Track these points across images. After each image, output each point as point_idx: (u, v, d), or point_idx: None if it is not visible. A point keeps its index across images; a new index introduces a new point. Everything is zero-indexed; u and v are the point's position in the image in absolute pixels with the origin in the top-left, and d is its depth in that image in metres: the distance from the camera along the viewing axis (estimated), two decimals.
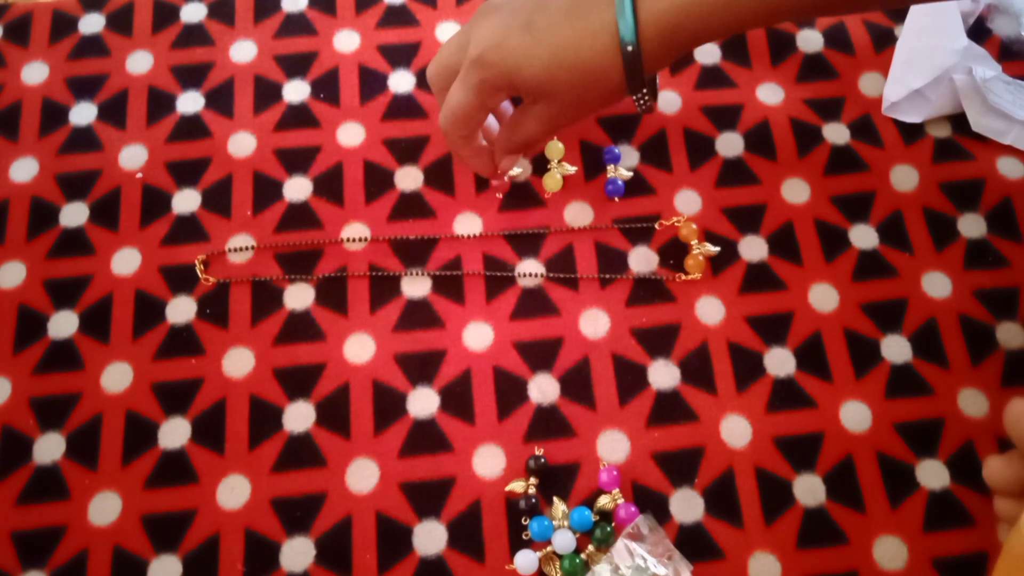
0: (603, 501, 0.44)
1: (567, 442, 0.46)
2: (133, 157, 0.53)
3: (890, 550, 0.44)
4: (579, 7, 0.42)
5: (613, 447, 0.46)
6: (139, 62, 0.56)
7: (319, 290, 0.50)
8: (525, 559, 0.43)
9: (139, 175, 0.53)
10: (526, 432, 0.46)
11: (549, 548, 0.43)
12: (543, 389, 0.47)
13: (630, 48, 0.41)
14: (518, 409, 0.47)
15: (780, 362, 0.48)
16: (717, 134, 0.54)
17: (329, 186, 0.52)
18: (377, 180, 0.53)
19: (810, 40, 0.57)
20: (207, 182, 0.52)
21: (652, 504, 0.45)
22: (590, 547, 0.44)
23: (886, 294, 0.50)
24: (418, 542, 0.44)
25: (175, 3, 0.58)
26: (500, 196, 0.52)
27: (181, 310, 0.49)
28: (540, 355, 0.48)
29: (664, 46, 0.42)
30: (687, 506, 0.45)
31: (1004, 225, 0.51)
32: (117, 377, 0.47)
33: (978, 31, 0.57)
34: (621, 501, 0.44)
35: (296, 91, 0.55)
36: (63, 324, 0.49)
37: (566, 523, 0.44)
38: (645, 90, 0.44)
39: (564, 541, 0.43)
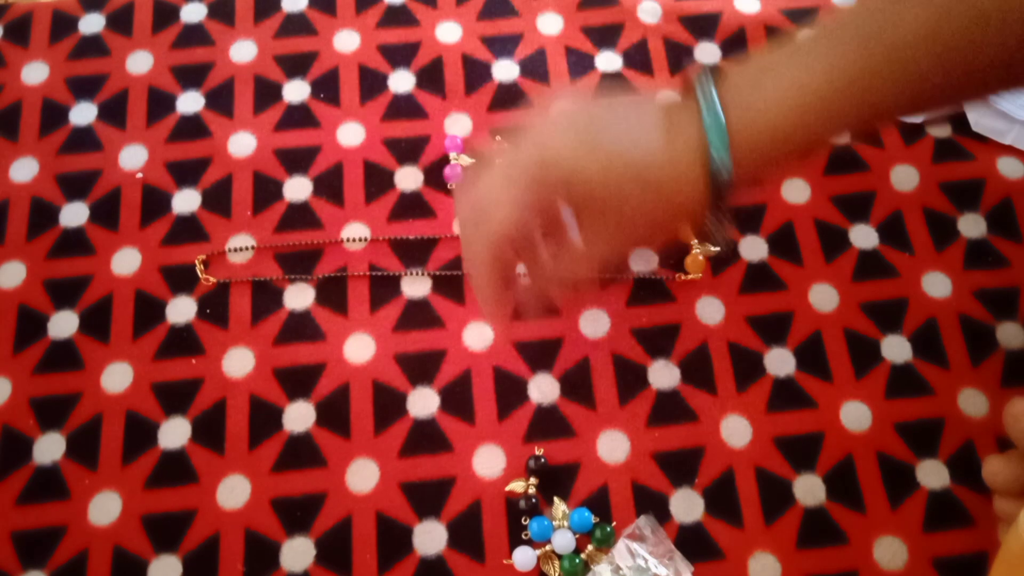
0: None
1: (567, 442, 0.46)
2: (133, 157, 0.53)
3: (890, 550, 0.44)
4: (651, 111, 0.36)
5: (613, 447, 0.46)
6: (139, 62, 0.56)
7: (319, 290, 0.50)
8: (523, 556, 0.43)
9: (139, 175, 0.53)
10: (526, 432, 0.46)
11: (548, 547, 0.43)
12: (543, 389, 0.47)
13: (718, 155, 0.34)
14: (518, 409, 0.47)
15: (780, 362, 0.48)
16: None
17: (329, 186, 0.52)
18: (377, 180, 0.53)
19: None
20: (207, 182, 0.52)
21: (652, 504, 0.45)
22: (590, 547, 0.44)
23: (886, 294, 0.50)
24: (418, 542, 0.44)
25: (175, 3, 0.58)
26: None
27: (181, 310, 0.49)
28: (540, 355, 0.48)
29: (754, 155, 0.35)
30: (687, 506, 0.45)
31: (1004, 225, 0.51)
32: (117, 377, 0.47)
33: None
34: None
35: (296, 91, 0.55)
36: (63, 324, 0.49)
37: (566, 523, 0.44)
38: (727, 207, 0.37)
39: (564, 541, 0.43)
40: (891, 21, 0.35)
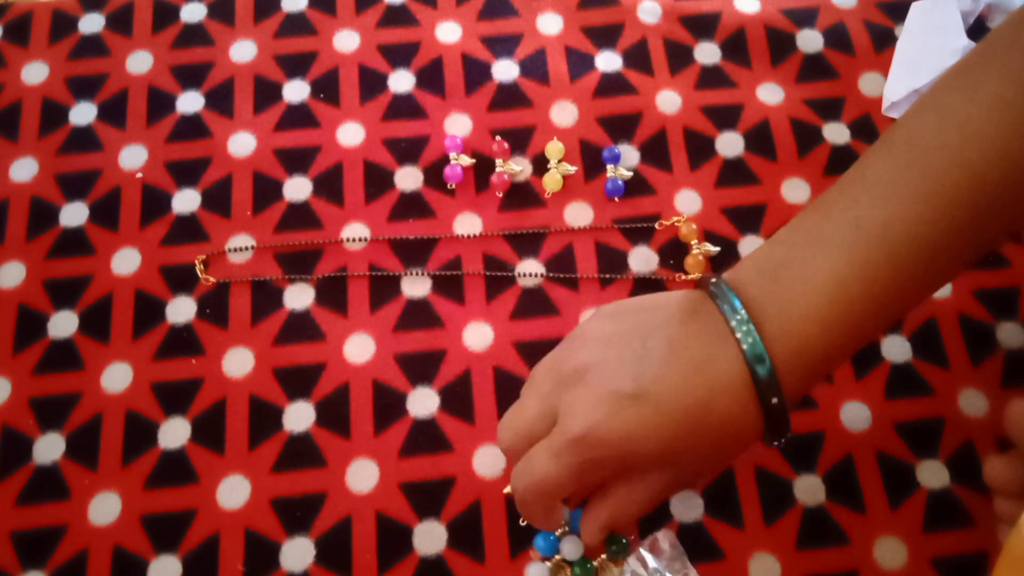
0: None
1: None
2: (133, 157, 0.53)
3: (890, 550, 0.44)
4: (692, 356, 0.35)
5: None
6: (139, 62, 0.56)
7: (319, 290, 0.50)
8: (536, 572, 0.43)
9: (139, 175, 0.53)
10: None
11: (558, 557, 0.43)
12: None
13: (774, 400, 0.34)
14: None
15: None
16: (717, 134, 0.54)
17: (329, 186, 0.52)
18: (377, 180, 0.53)
19: (810, 40, 0.57)
20: (207, 182, 0.52)
21: None
22: (603, 556, 0.43)
23: None
24: (418, 542, 0.44)
25: (175, 3, 0.58)
26: (500, 196, 0.52)
27: (181, 310, 0.49)
28: (540, 355, 0.47)
29: (802, 379, 0.35)
30: (687, 506, 0.45)
31: None
32: (117, 377, 0.47)
33: (978, 31, 0.57)
34: None
35: (296, 91, 0.55)
36: (63, 324, 0.49)
37: (567, 527, 0.43)
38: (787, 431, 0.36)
39: (572, 547, 0.43)
40: (910, 220, 0.34)
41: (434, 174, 0.53)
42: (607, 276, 0.50)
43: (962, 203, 0.34)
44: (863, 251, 0.34)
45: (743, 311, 0.34)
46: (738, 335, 0.34)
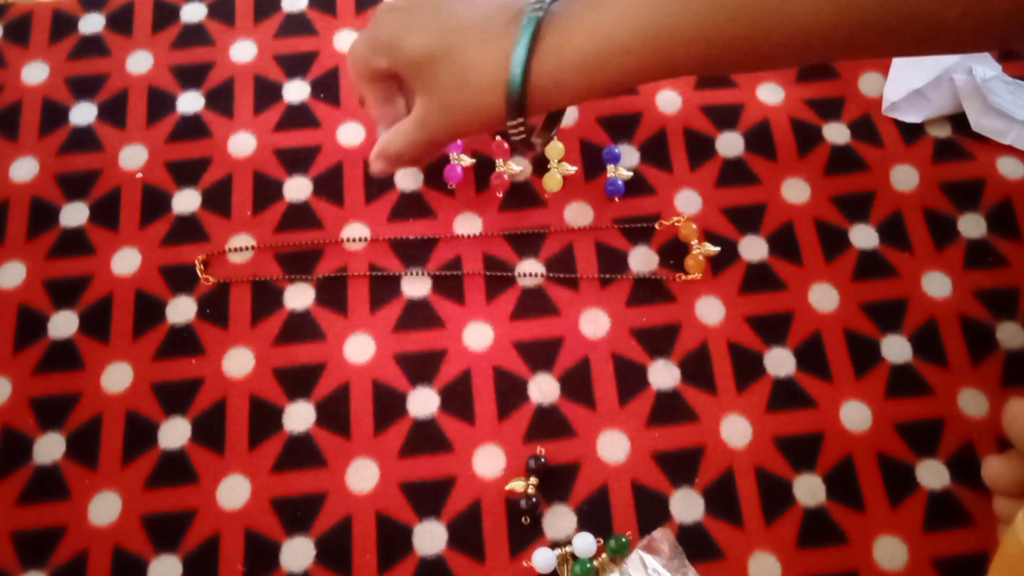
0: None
1: (567, 442, 0.46)
2: (133, 157, 0.53)
3: (890, 550, 0.44)
4: (489, 11, 0.41)
5: (613, 447, 0.46)
6: (139, 62, 0.56)
7: (319, 290, 0.50)
8: (543, 557, 0.43)
9: (139, 175, 0.53)
10: (526, 432, 0.46)
11: (568, 548, 0.43)
12: (543, 389, 0.47)
13: (514, 79, 0.39)
14: (518, 409, 0.47)
15: (780, 362, 0.48)
16: (717, 134, 0.54)
17: (329, 186, 0.52)
18: (377, 180, 0.53)
19: None
20: (207, 182, 0.52)
21: (652, 504, 0.45)
22: (604, 556, 0.43)
23: (886, 294, 0.50)
24: (418, 542, 0.44)
25: (175, 3, 0.58)
26: (500, 196, 0.52)
27: (181, 310, 0.49)
28: (540, 355, 0.48)
29: (552, 89, 0.40)
30: (687, 506, 0.45)
31: (1004, 225, 0.51)
32: (117, 377, 0.47)
33: None
34: None
35: (296, 91, 0.55)
36: (63, 324, 0.49)
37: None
38: (522, 122, 0.41)
39: (584, 544, 0.43)
40: None
41: (434, 174, 0.53)
42: (607, 276, 0.50)
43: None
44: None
45: (544, 5, 0.40)
46: (523, 20, 0.39)
